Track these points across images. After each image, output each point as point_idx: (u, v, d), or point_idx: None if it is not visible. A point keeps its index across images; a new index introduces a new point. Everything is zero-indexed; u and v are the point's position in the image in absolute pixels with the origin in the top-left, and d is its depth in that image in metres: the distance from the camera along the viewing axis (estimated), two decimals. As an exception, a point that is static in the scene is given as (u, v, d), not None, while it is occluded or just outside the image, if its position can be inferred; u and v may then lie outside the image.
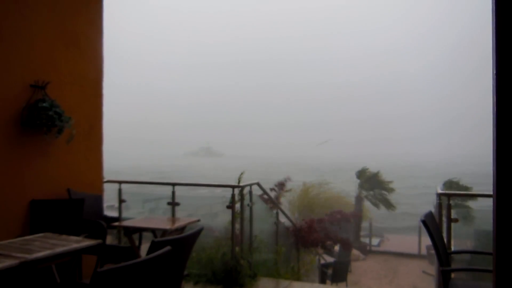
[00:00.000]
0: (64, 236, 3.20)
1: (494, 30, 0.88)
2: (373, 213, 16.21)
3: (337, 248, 11.03)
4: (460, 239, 4.82)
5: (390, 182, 15.35)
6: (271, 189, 8.84)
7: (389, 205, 15.15)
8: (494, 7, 0.92)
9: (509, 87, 0.87)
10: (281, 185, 8.61)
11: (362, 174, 15.42)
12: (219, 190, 6.41)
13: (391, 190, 15.15)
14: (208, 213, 6.22)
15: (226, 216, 5.32)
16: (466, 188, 11.85)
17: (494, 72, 0.86)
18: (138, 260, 2.09)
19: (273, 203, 7.48)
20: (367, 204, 15.48)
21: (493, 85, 0.89)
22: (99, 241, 3.16)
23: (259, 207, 6.20)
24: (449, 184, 11.85)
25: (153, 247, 2.42)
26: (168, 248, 2.22)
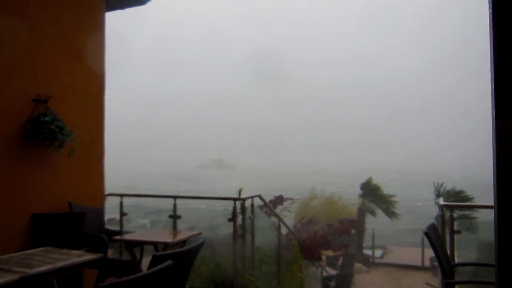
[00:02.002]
0: (65, 250, 3.18)
1: (492, 47, 0.89)
2: (376, 225, 16.09)
3: (340, 260, 10.93)
4: (464, 251, 4.78)
5: (393, 196, 15.27)
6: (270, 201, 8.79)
7: (392, 214, 15.02)
8: (491, 14, 0.93)
9: (509, 102, 0.88)
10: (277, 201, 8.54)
11: (365, 185, 15.34)
12: (221, 202, 6.40)
13: (393, 202, 15.07)
14: (210, 226, 6.19)
15: (228, 228, 5.29)
16: (466, 197, 11.76)
17: (493, 87, 0.87)
18: (140, 274, 2.08)
19: (275, 215, 7.44)
20: (369, 215, 15.38)
21: (492, 99, 0.89)
22: (100, 255, 3.14)
23: (261, 220, 6.17)
24: (447, 194, 11.74)
25: (155, 261, 2.41)
26: (169, 262, 2.21)
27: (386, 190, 15.51)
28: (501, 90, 0.90)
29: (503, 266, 0.93)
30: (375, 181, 15.76)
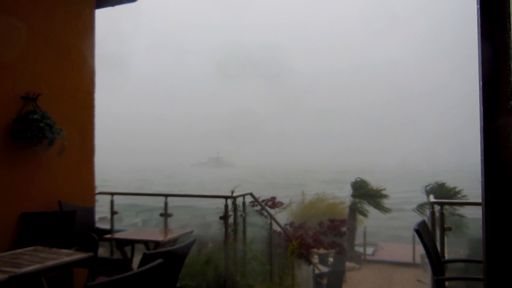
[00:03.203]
0: (54, 249, 3.15)
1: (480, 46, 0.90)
2: (367, 222, 16.21)
3: (331, 258, 10.99)
4: (454, 248, 4.82)
5: (383, 189, 15.37)
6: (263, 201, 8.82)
7: (383, 208, 15.15)
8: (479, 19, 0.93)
9: (495, 98, 0.88)
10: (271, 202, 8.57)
11: (355, 184, 15.45)
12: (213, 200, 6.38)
13: (384, 197, 15.18)
14: (202, 224, 6.18)
15: (220, 227, 5.29)
16: (452, 190, 11.89)
17: (480, 84, 0.88)
18: (130, 273, 2.07)
19: (266, 213, 7.45)
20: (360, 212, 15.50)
21: (479, 98, 0.90)
22: (91, 254, 3.12)
23: (253, 217, 6.17)
24: (436, 188, 11.85)
25: (145, 259, 2.40)
26: (160, 260, 2.20)
27: (376, 185, 15.63)
28: (489, 88, 0.91)
29: (491, 262, 0.94)
30: (365, 176, 15.89)
